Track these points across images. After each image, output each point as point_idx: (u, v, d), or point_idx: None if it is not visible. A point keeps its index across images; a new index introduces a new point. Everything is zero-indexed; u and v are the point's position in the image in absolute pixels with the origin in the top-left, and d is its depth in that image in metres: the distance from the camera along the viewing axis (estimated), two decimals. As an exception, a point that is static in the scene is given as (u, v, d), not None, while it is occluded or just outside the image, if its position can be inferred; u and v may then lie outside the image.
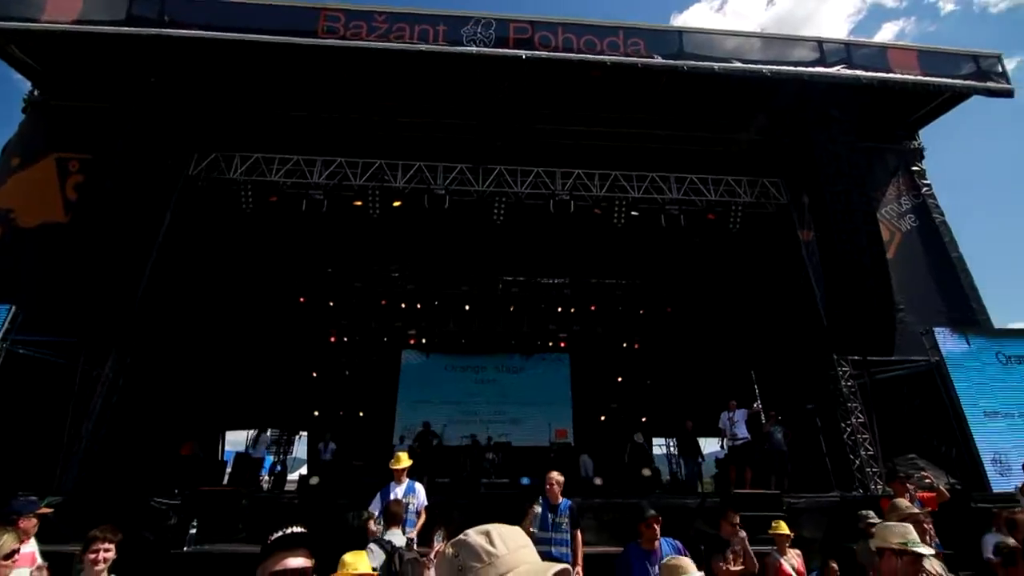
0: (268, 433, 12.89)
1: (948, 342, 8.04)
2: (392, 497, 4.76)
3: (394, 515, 4.42)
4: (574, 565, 4.23)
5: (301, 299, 14.16)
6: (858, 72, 9.46)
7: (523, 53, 8.70)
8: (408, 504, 4.72)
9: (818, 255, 9.39)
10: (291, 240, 11.95)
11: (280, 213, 10.15)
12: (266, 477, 11.82)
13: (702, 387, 13.56)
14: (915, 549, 2.04)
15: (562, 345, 15.53)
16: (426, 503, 5.06)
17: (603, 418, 15.03)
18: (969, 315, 9.31)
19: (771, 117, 10.08)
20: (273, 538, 1.36)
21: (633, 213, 10.26)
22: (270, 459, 12.63)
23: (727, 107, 10.04)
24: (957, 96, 10.28)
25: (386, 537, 4.17)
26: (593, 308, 14.88)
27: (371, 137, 10.28)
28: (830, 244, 8.91)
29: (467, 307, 14.76)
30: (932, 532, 4.75)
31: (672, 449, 14.85)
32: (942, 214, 10.39)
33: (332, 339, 14.94)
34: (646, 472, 10.03)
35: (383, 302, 14.53)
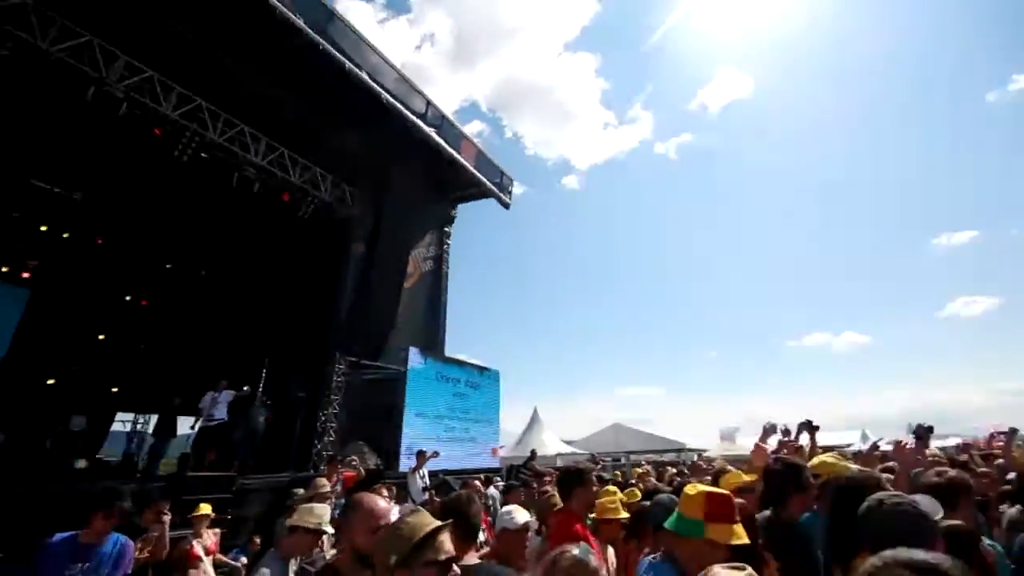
0: None
1: (415, 359, 10.67)
2: None
3: None
4: None
5: None
6: (441, 142, 11.86)
7: None
8: None
9: (361, 268, 10.76)
10: None
11: None
12: None
13: (210, 364, 12.45)
14: (325, 529, 2.48)
15: (25, 276, 10.95)
16: None
17: (52, 382, 11.32)
18: (434, 342, 12.79)
19: (374, 137, 11.10)
20: None
21: (203, 155, 8.80)
22: None
23: (347, 108, 10.34)
24: (485, 192, 14.44)
25: None
26: (100, 241, 11.43)
27: None
28: (370, 262, 10.42)
29: None
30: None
31: (141, 427, 12.71)
32: (448, 267, 14.09)
33: None
34: (80, 464, 8.11)
35: None
